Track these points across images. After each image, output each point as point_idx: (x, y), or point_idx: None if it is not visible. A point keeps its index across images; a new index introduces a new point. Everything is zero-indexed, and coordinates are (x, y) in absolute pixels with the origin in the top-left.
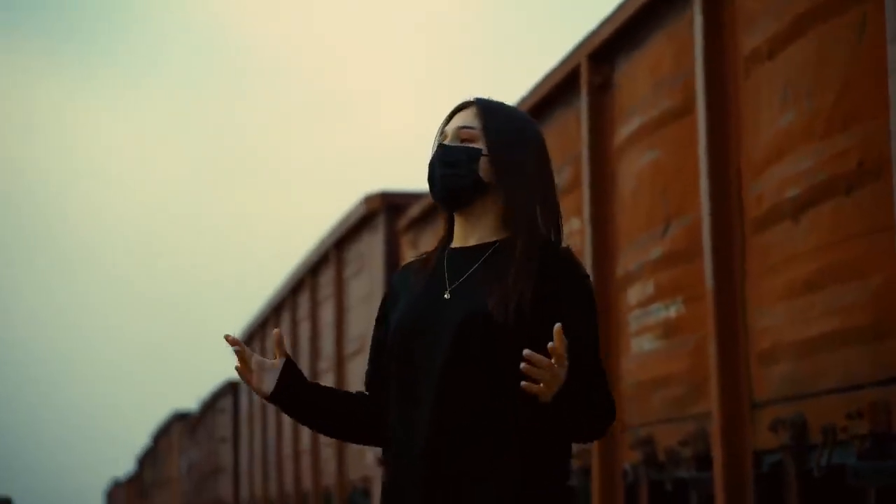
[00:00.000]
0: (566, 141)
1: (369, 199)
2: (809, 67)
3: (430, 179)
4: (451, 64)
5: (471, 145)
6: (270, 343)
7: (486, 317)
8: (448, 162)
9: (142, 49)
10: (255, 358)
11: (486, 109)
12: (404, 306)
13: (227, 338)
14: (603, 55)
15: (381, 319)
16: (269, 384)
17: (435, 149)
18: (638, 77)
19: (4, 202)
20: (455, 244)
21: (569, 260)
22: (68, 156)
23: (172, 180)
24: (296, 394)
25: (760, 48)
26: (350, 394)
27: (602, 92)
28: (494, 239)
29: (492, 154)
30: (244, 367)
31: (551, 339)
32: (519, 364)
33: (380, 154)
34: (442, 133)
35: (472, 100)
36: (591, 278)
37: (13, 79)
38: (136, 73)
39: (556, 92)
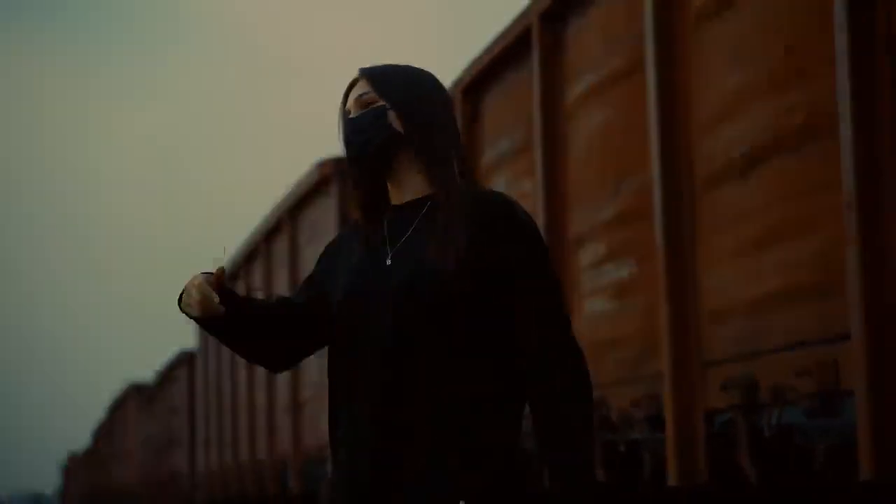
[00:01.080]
0: (519, 102)
1: (322, 165)
2: (757, 25)
3: (350, 156)
4: (408, 26)
5: (373, 105)
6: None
7: (429, 273)
8: (358, 129)
9: (111, 21)
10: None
11: (375, 74)
12: (346, 275)
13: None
14: (555, 15)
15: (312, 276)
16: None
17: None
18: (590, 37)
19: None
20: (393, 202)
21: (507, 203)
22: (45, 136)
23: (132, 152)
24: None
25: (709, 5)
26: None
27: (554, 52)
28: (427, 193)
29: (396, 108)
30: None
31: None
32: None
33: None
34: (345, 113)
35: (357, 74)
36: (544, 239)
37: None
38: (106, 45)
39: (508, 52)
